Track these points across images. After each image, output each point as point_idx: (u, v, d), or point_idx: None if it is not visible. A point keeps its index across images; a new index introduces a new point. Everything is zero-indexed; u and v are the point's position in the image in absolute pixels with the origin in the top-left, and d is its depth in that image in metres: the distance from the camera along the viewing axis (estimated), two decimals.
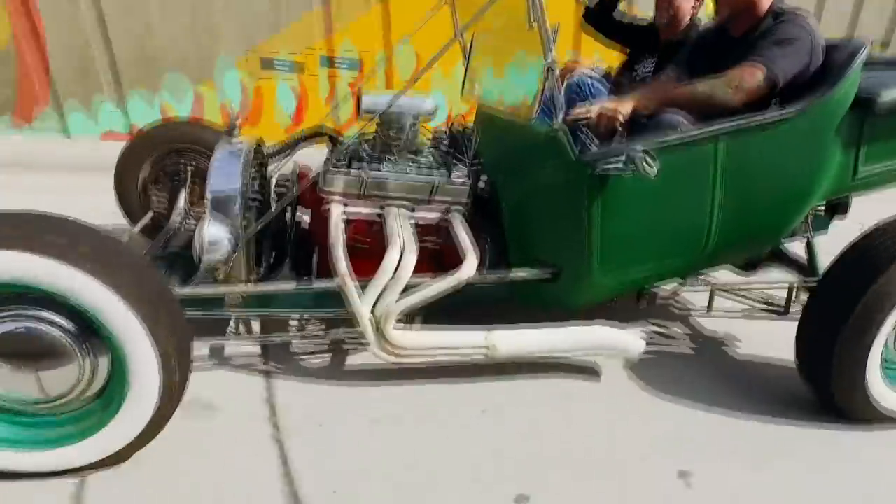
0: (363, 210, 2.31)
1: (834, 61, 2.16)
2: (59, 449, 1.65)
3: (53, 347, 1.56)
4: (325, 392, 2.24)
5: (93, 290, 1.49)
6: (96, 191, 3.29)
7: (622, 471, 1.96)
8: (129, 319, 1.53)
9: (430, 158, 2.43)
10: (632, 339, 2.31)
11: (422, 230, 2.30)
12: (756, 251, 2.47)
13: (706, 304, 2.84)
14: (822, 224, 2.78)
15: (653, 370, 2.49)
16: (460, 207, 2.34)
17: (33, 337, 1.55)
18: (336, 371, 2.38)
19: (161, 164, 2.97)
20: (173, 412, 1.74)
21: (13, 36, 5.11)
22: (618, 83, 2.82)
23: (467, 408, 2.20)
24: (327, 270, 2.25)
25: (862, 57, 2.10)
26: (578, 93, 2.72)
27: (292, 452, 1.92)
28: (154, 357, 1.58)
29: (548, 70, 1.96)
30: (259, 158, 2.47)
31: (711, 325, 2.89)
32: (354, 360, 2.46)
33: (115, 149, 3.18)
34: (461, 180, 2.32)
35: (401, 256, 2.04)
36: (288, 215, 2.51)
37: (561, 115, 2.03)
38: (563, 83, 2.48)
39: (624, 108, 2.18)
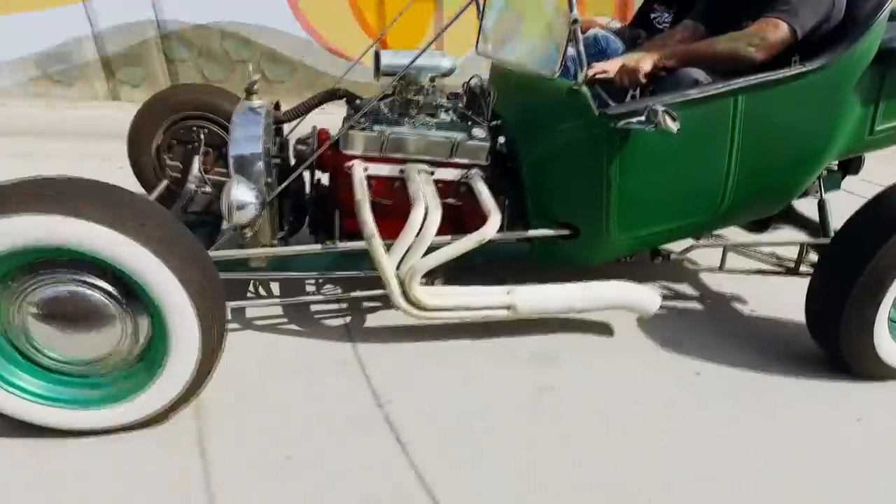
0: (384, 169, 2.32)
1: (858, 12, 2.13)
2: (104, 409, 1.70)
3: (97, 310, 1.59)
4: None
5: (137, 257, 1.52)
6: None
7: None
8: (171, 283, 1.56)
9: (450, 117, 2.43)
10: (649, 295, 2.36)
11: (441, 190, 2.31)
12: (770, 210, 2.49)
13: (718, 262, 2.88)
14: (833, 182, 2.77)
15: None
16: (480, 168, 2.35)
17: (78, 299, 1.57)
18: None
19: (173, 131, 2.94)
20: (213, 372, 1.78)
21: None
22: (633, 36, 2.79)
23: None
24: (348, 231, 2.27)
25: (887, 8, 2.07)
26: (596, 47, 2.69)
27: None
28: (194, 318, 1.61)
29: (572, 25, 1.94)
30: (276, 120, 2.46)
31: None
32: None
33: None
34: (482, 137, 2.33)
35: (425, 215, 2.06)
36: (306, 175, 2.51)
37: (583, 72, 2.02)
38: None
39: (645, 63, 2.17)
